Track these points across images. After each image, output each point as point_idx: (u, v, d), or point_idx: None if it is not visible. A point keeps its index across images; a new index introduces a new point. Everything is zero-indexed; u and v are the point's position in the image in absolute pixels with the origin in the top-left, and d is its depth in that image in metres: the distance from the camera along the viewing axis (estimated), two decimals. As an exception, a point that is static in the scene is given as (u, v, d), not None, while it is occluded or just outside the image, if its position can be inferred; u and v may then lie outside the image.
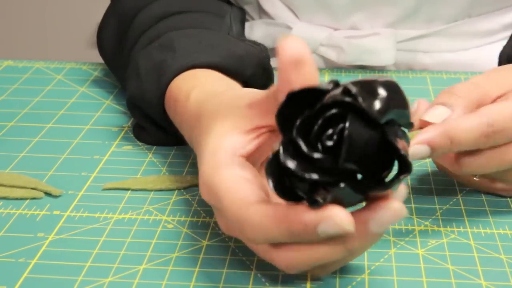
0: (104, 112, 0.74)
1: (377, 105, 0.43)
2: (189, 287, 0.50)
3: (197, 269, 0.52)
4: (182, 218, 0.57)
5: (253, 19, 0.89)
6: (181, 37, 0.67)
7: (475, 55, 0.85)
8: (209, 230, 0.56)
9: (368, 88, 0.43)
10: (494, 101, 0.56)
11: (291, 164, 0.44)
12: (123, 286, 0.50)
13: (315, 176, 0.43)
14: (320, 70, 0.84)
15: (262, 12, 0.87)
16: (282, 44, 0.46)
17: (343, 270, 0.52)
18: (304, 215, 0.44)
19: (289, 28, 0.84)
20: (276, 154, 0.45)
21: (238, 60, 0.65)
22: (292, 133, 0.44)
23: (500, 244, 0.54)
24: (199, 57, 0.65)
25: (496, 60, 0.85)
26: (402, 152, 0.43)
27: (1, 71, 0.84)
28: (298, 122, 0.44)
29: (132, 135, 0.70)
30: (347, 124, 0.42)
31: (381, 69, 0.85)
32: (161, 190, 0.61)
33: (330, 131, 0.44)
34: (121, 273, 0.51)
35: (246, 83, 0.66)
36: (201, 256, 0.53)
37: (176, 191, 0.61)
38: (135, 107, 0.67)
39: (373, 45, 0.81)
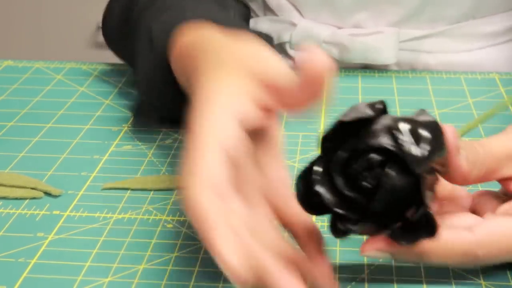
0: (104, 112, 0.74)
1: (419, 153, 0.44)
2: (189, 287, 0.50)
3: (196, 269, 0.52)
4: (182, 218, 0.57)
5: (257, 16, 0.89)
6: (192, 8, 0.66)
7: (478, 56, 0.85)
8: (209, 230, 0.56)
9: (413, 132, 0.44)
10: None
11: (323, 192, 0.45)
12: (122, 286, 0.50)
13: (342, 211, 0.45)
14: (320, 70, 0.84)
15: (267, 9, 0.88)
16: (308, 55, 0.44)
17: (343, 270, 0.52)
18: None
19: (294, 25, 0.85)
20: (310, 169, 0.46)
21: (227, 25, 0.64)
22: (331, 162, 0.45)
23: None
24: (192, 15, 0.63)
25: (500, 62, 0.85)
26: (430, 211, 0.44)
27: (1, 71, 0.84)
28: (341, 156, 0.45)
29: (132, 135, 0.70)
30: (386, 175, 0.44)
31: (383, 69, 0.85)
32: (160, 190, 0.61)
33: (367, 173, 0.45)
34: (121, 273, 0.51)
35: None
36: (200, 256, 0.53)
37: (176, 191, 0.61)
38: (148, 76, 0.65)
39: (375, 43, 0.81)
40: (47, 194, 0.61)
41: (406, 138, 0.44)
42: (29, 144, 0.68)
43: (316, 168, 0.46)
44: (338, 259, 0.53)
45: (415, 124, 0.44)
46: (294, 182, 0.45)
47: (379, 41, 0.81)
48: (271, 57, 0.50)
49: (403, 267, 0.52)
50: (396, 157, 0.44)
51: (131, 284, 0.50)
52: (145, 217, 0.58)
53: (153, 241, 0.55)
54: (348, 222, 0.45)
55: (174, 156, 0.66)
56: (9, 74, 0.83)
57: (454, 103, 0.75)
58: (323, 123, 0.71)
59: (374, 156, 0.44)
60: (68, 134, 0.70)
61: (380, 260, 0.52)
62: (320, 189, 0.45)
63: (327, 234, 0.55)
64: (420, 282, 0.50)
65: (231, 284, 0.50)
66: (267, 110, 0.48)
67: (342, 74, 0.83)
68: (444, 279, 0.51)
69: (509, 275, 0.51)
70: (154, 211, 0.58)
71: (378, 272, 0.51)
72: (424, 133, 0.44)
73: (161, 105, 0.67)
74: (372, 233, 0.46)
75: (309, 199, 0.46)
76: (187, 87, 0.57)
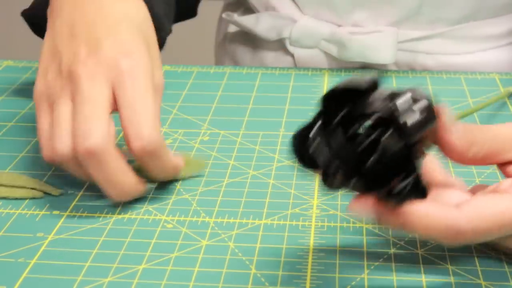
0: (104, 112, 0.74)
1: (414, 122, 0.46)
2: (189, 287, 0.50)
3: (196, 269, 0.52)
4: (182, 218, 0.57)
5: (258, 11, 0.90)
6: None
7: (478, 58, 0.85)
8: (209, 230, 0.56)
9: (409, 103, 0.46)
10: None
11: (321, 143, 0.47)
12: (122, 286, 0.50)
13: (338, 162, 0.46)
14: (320, 70, 0.84)
15: (268, 5, 0.88)
16: None
17: (343, 270, 0.52)
18: None
19: (294, 21, 0.85)
20: (306, 128, 0.48)
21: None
22: (331, 117, 0.47)
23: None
24: None
25: (500, 65, 0.85)
26: (422, 177, 0.46)
27: (1, 71, 0.84)
28: (341, 114, 0.47)
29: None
30: (384, 139, 0.45)
31: (381, 69, 0.85)
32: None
33: (365, 133, 0.46)
34: (121, 273, 0.51)
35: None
36: (200, 256, 0.53)
37: (176, 191, 0.61)
38: None
39: (374, 42, 0.81)
40: (47, 194, 0.61)
41: (403, 107, 0.46)
42: (29, 144, 0.68)
43: (316, 122, 0.47)
44: (338, 259, 0.53)
45: (409, 96, 0.47)
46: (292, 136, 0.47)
47: (377, 40, 0.81)
48: None
49: (403, 267, 0.52)
50: (393, 123, 0.46)
51: (131, 284, 0.50)
52: (145, 217, 0.58)
53: (153, 241, 0.55)
54: (341, 175, 0.47)
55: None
56: (9, 74, 0.83)
57: (454, 103, 0.75)
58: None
59: (374, 118, 0.46)
60: (68, 134, 0.70)
61: (380, 260, 0.52)
62: (318, 140, 0.47)
63: (326, 235, 0.55)
64: (420, 282, 0.50)
65: (232, 284, 0.50)
66: None
67: (342, 73, 0.83)
68: (444, 279, 0.51)
69: (509, 275, 0.51)
70: (154, 211, 0.58)
71: (377, 272, 0.51)
72: (419, 104, 0.46)
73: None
74: (362, 191, 0.47)
75: (304, 152, 0.48)
76: None
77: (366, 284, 0.50)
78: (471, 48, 0.85)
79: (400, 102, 0.46)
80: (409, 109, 0.46)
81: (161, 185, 0.62)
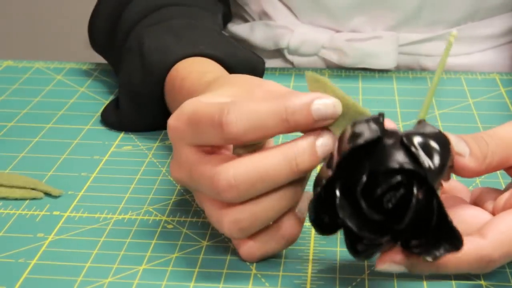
0: (104, 112, 0.74)
1: (436, 167, 0.44)
2: (189, 288, 0.50)
3: (197, 269, 0.52)
4: (182, 219, 0.57)
5: (253, 19, 0.89)
6: (186, 27, 0.69)
7: (478, 59, 0.85)
8: (209, 230, 0.56)
9: (425, 146, 0.45)
10: None
11: (347, 217, 0.45)
12: (123, 286, 0.50)
13: (366, 233, 0.45)
14: (320, 70, 0.84)
15: (262, 13, 0.87)
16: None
17: (343, 271, 0.52)
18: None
19: (290, 30, 0.84)
20: (322, 192, 0.46)
21: (237, 62, 0.66)
22: (350, 185, 0.46)
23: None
24: (205, 48, 0.66)
25: (499, 65, 0.85)
26: (456, 229, 0.45)
27: (1, 71, 0.84)
28: (362, 180, 0.45)
29: (132, 136, 0.70)
30: (414, 196, 0.44)
31: (382, 70, 0.85)
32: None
33: (390, 195, 0.45)
34: (121, 274, 0.51)
35: None
36: (201, 256, 0.53)
37: (177, 191, 0.61)
38: (128, 83, 0.69)
39: (375, 48, 0.81)
40: (47, 194, 0.61)
41: (421, 154, 0.44)
42: (29, 144, 0.68)
43: (336, 192, 0.46)
44: (338, 259, 0.53)
45: (424, 138, 0.45)
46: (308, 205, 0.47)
47: (378, 47, 0.81)
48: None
49: (404, 268, 0.52)
50: (415, 174, 0.44)
51: (131, 284, 0.50)
52: (146, 217, 0.58)
53: (154, 241, 0.55)
54: (370, 243, 0.45)
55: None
56: (9, 74, 0.83)
57: (455, 103, 0.75)
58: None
59: (398, 177, 0.45)
60: (68, 135, 0.70)
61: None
62: (342, 214, 0.45)
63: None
64: (421, 283, 0.50)
65: (232, 285, 0.50)
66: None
67: (342, 74, 0.83)
68: (445, 279, 0.51)
69: (509, 275, 0.51)
70: (155, 212, 0.58)
71: (378, 272, 0.51)
72: (435, 145, 0.45)
73: (138, 114, 0.69)
74: (385, 248, 0.46)
75: (322, 222, 0.47)
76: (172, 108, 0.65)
77: (366, 285, 0.50)
78: (469, 49, 0.85)
79: (418, 147, 0.45)
80: (427, 153, 0.44)
81: (161, 185, 0.62)
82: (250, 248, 0.51)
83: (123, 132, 0.70)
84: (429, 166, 0.44)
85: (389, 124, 0.47)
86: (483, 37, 0.84)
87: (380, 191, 0.45)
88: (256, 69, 0.69)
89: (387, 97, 0.77)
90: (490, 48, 0.86)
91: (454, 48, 0.84)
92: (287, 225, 0.50)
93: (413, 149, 0.44)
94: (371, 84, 0.80)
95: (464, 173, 0.49)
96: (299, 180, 0.49)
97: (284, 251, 0.53)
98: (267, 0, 0.86)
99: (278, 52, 0.87)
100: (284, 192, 0.49)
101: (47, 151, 0.67)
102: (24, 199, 0.60)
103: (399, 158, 0.44)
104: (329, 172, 0.46)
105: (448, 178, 0.48)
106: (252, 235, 0.51)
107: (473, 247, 0.47)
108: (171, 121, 0.51)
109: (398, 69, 0.85)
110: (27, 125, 0.72)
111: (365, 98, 0.77)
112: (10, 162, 0.65)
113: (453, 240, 0.45)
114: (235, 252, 0.53)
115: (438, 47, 0.84)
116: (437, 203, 0.45)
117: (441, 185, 0.47)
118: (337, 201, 0.45)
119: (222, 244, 0.54)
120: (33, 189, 0.61)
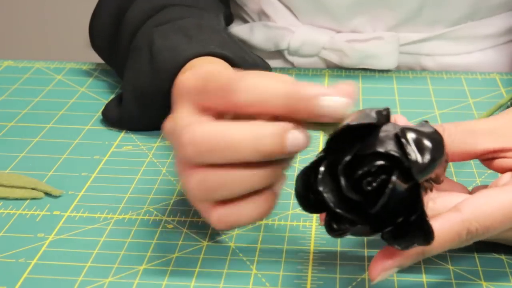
0: (104, 112, 0.74)
1: (422, 163, 0.45)
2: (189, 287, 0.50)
3: (197, 269, 0.52)
4: (182, 219, 0.57)
5: (252, 19, 0.89)
6: (196, 27, 0.69)
7: (478, 58, 0.85)
8: (209, 230, 0.56)
9: (418, 142, 0.45)
10: None
11: (325, 191, 0.46)
12: (123, 286, 0.50)
13: (342, 212, 0.46)
14: (321, 70, 0.84)
15: (262, 14, 0.87)
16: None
17: (344, 270, 0.52)
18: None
19: (290, 31, 0.84)
20: (310, 169, 0.47)
21: (245, 62, 0.67)
22: (335, 163, 0.46)
23: (500, 244, 0.54)
24: (216, 48, 0.66)
25: (500, 64, 0.85)
26: (429, 220, 0.45)
27: (1, 71, 0.84)
28: (346, 159, 0.46)
29: (132, 136, 0.70)
30: (391, 182, 0.45)
31: (382, 70, 0.85)
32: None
33: (370, 178, 0.45)
34: (121, 274, 0.51)
35: None
36: (201, 256, 0.53)
37: (177, 191, 0.61)
38: (134, 81, 0.68)
39: (375, 49, 0.81)
40: (48, 194, 0.61)
41: (411, 147, 0.45)
42: (30, 144, 0.68)
43: (320, 168, 0.46)
44: (338, 260, 0.53)
45: (419, 134, 0.46)
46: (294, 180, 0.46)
47: (378, 48, 0.81)
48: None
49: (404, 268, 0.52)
50: (400, 164, 0.45)
51: (132, 284, 0.50)
52: (146, 217, 0.58)
53: (154, 241, 0.55)
54: (345, 223, 0.46)
55: (174, 156, 0.66)
56: (9, 74, 0.83)
57: (455, 103, 0.75)
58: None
59: (380, 162, 0.45)
60: (68, 135, 0.70)
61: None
62: (322, 188, 0.46)
63: (327, 235, 0.55)
64: (421, 282, 0.50)
65: (232, 284, 0.50)
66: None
67: (343, 74, 0.83)
68: (445, 279, 0.51)
69: (510, 275, 0.51)
70: (155, 212, 0.58)
71: (378, 272, 0.51)
72: (427, 143, 0.45)
73: (140, 112, 0.69)
74: (365, 234, 0.46)
75: (307, 197, 0.47)
76: None
77: (367, 284, 0.50)
78: (470, 48, 0.85)
79: (410, 140, 0.45)
80: (418, 148, 0.45)
81: (161, 185, 0.62)
82: (220, 214, 0.49)
83: (124, 132, 0.70)
84: (416, 160, 0.45)
85: (400, 120, 0.48)
86: (483, 36, 0.84)
87: (362, 172, 0.45)
88: None
89: (387, 97, 0.77)
90: (490, 47, 0.86)
91: (454, 47, 0.84)
92: (262, 198, 0.50)
93: (403, 140, 0.45)
94: (371, 84, 0.80)
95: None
96: (278, 161, 0.49)
97: (284, 251, 0.54)
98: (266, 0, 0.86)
99: (278, 53, 0.87)
100: (258, 170, 0.48)
101: (47, 151, 0.67)
102: (25, 199, 0.60)
103: (388, 146, 0.45)
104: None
105: (440, 180, 0.48)
106: (224, 203, 0.50)
107: (448, 223, 0.47)
108: (184, 77, 0.51)
109: (399, 69, 0.85)
110: (27, 125, 0.72)
111: (365, 98, 0.77)
112: (10, 162, 0.65)
113: (426, 235, 0.45)
114: (235, 252, 0.53)
115: (438, 47, 0.84)
116: (417, 197, 0.45)
117: (432, 184, 0.47)
118: (319, 175, 0.46)
119: (222, 244, 0.54)
120: (33, 189, 0.61)
